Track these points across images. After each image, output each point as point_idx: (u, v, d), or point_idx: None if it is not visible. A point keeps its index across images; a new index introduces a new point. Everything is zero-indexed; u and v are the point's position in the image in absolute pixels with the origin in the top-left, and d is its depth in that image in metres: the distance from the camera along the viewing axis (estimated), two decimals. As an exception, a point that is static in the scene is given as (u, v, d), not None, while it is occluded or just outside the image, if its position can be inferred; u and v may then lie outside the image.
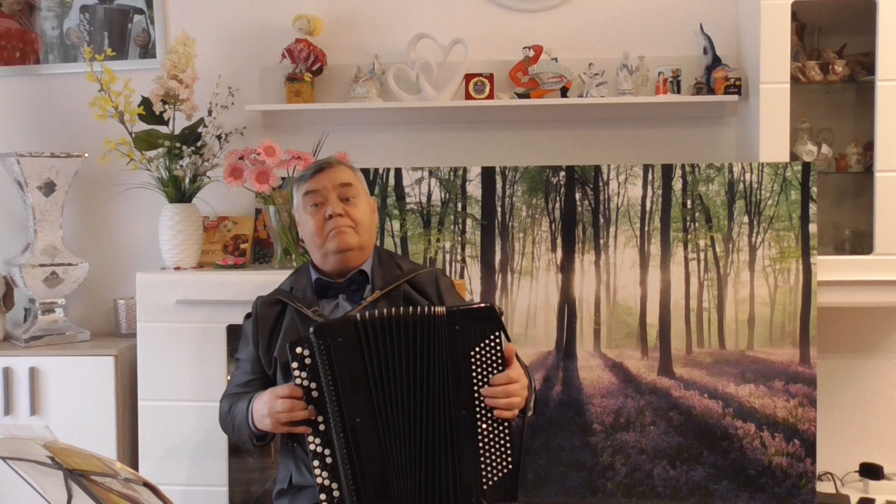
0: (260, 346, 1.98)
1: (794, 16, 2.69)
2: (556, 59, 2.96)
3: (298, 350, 1.73)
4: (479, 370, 1.72)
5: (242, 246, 3.06)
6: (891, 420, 3.01)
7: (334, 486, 1.71)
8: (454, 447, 1.72)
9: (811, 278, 2.57)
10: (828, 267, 2.61)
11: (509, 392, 1.71)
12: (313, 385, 1.73)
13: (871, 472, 2.81)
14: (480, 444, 1.72)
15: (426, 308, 1.73)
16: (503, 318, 1.75)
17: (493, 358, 1.72)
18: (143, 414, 2.71)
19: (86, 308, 3.22)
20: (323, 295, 1.99)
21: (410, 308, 1.74)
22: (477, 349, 1.72)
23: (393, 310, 1.73)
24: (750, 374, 2.60)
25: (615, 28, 3.05)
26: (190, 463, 2.70)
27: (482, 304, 1.73)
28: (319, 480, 1.71)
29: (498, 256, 2.64)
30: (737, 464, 2.58)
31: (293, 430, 1.75)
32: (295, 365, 1.73)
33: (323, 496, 1.71)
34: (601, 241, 2.62)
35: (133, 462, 2.76)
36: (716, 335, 2.61)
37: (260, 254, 3.11)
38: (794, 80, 2.67)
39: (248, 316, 2.06)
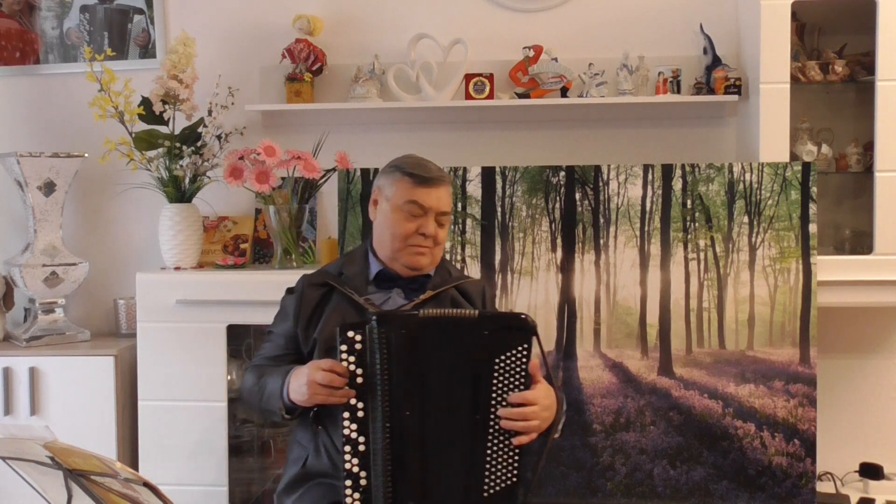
0: (300, 323, 1.96)
1: (794, 16, 2.69)
2: (556, 59, 2.96)
3: (350, 334, 1.73)
4: (500, 379, 1.72)
5: (242, 246, 3.06)
6: (891, 420, 3.01)
7: (363, 474, 1.71)
8: (465, 450, 1.72)
9: (811, 278, 2.57)
10: (828, 267, 2.61)
11: (526, 415, 1.70)
12: (359, 371, 1.73)
13: (871, 472, 2.81)
14: (489, 451, 1.72)
15: (469, 311, 1.75)
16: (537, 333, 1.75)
17: (517, 370, 1.72)
18: (143, 414, 2.71)
19: (86, 308, 3.22)
20: (379, 285, 1.99)
21: (449, 309, 1.77)
22: (503, 357, 1.72)
23: (448, 310, 1.76)
24: (750, 374, 2.60)
25: (615, 28, 3.05)
26: (190, 463, 2.70)
27: (517, 314, 1.74)
28: (348, 466, 1.71)
29: (498, 256, 2.64)
30: (737, 464, 2.58)
31: (328, 401, 1.74)
32: (343, 348, 1.73)
33: (349, 482, 1.71)
34: (601, 241, 2.62)
35: (133, 462, 2.76)
36: (716, 335, 2.61)
37: (260, 254, 3.11)
38: (794, 80, 2.67)
39: (289, 291, 2.05)
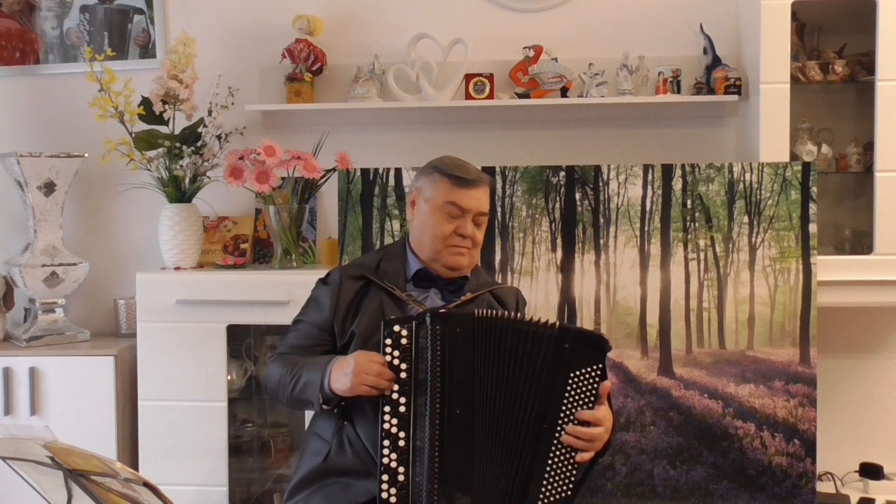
0: (337, 315, 1.94)
1: (794, 16, 2.69)
2: (556, 59, 2.96)
3: (396, 328, 1.74)
4: (573, 393, 1.73)
5: (242, 246, 3.06)
6: (891, 420, 3.01)
7: (401, 469, 1.70)
8: (526, 457, 1.73)
9: (811, 278, 2.57)
10: (828, 267, 2.61)
11: (592, 436, 1.73)
12: (403, 366, 1.73)
13: (871, 472, 2.81)
14: (550, 463, 1.73)
15: (540, 318, 1.76)
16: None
17: (590, 387, 1.74)
18: (143, 414, 2.71)
19: (86, 308, 3.22)
20: (417, 284, 1.99)
21: (518, 314, 1.80)
22: (578, 373, 1.73)
23: (507, 313, 1.78)
24: (750, 374, 2.60)
25: (615, 28, 3.05)
26: (190, 463, 2.70)
27: (599, 333, 1.77)
28: (385, 461, 1.71)
29: (498, 256, 2.64)
30: (737, 464, 2.58)
31: (370, 394, 1.73)
32: (388, 342, 1.74)
33: (385, 476, 1.70)
34: (601, 241, 2.62)
35: (133, 462, 2.76)
36: (716, 335, 2.61)
37: (260, 254, 3.11)
38: (794, 80, 2.67)
39: (322, 283, 2.02)
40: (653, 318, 2.62)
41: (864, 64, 2.76)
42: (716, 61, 2.90)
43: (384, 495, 1.70)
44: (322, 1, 3.12)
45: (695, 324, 2.61)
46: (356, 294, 1.95)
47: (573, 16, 3.07)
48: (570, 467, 1.74)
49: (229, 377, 2.76)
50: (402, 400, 1.72)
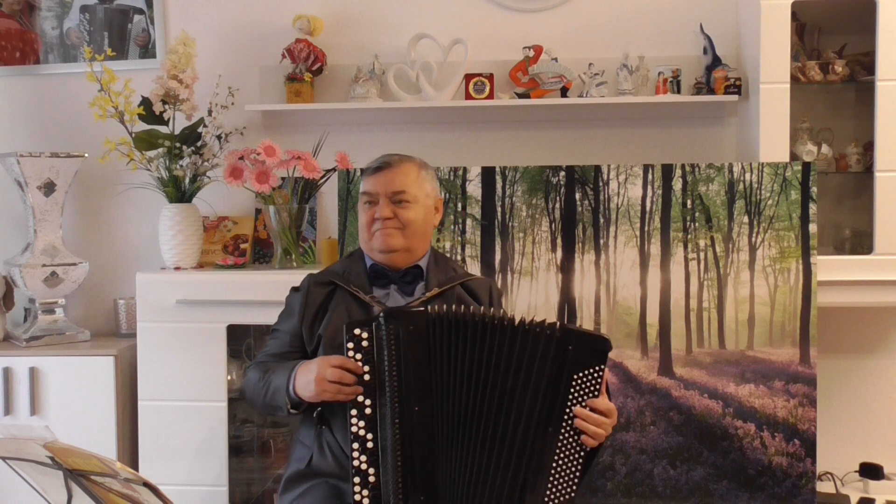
0: (305, 321, 1.98)
1: (794, 16, 2.69)
2: (556, 59, 2.96)
3: (357, 331, 1.74)
4: (576, 394, 1.73)
5: (242, 246, 3.06)
6: (891, 420, 3.01)
7: (371, 470, 1.71)
8: (527, 460, 1.72)
9: (811, 278, 2.57)
10: (828, 267, 2.61)
11: (601, 422, 1.73)
12: (367, 368, 1.74)
13: (871, 472, 2.81)
14: (555, 465, 1.73)
15: (534, 318, 1.75)
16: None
17: (593, 388, 1.74)
18: (143, 414, 2.71)
19: (86, 308, 3.22)
20: (375, 282, 2.01)
21: (498, 312, 1.77)
22: (582, 374, 1.73)
23: (462, 308, 1.77)
24: (750, 374, 2.60)
25: (615, 28, 3.05)
26: (190, 463, 2.70)
27: (603, 336, 1.76)
28: (356, 464, 1.71)
29: (498, 256, 2.64)
30: (737, 464, 2.58)
31: (336, 398, 1.74)
32: (350, 345, 1.74)
33: (357, 479, 1.71)
34: (601, 241, 2.62)
35: (133, 462, 2.76)
36: (716, 335, 2.61)
37: (260, 254, 3.11)
38: (794, 80, 2.67)
39: (294, 290, 2.06)
40: (653, 318, 2.62)
41: (864, 64, 2.77)
42: (716, 61, 2.90)
43: (357, 497, 1.71)
44: (322, 1, 3.12)
45: (695, 324, 2.61)
46: (324, 299, 1.99)
47: (573, 16, 3.07)
48: (575, 468, 1.74)
49: (229, 377, 2.76)
50: (368, 402, 1.73)
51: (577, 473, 1.74)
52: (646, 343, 2.62)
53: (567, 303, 2.63)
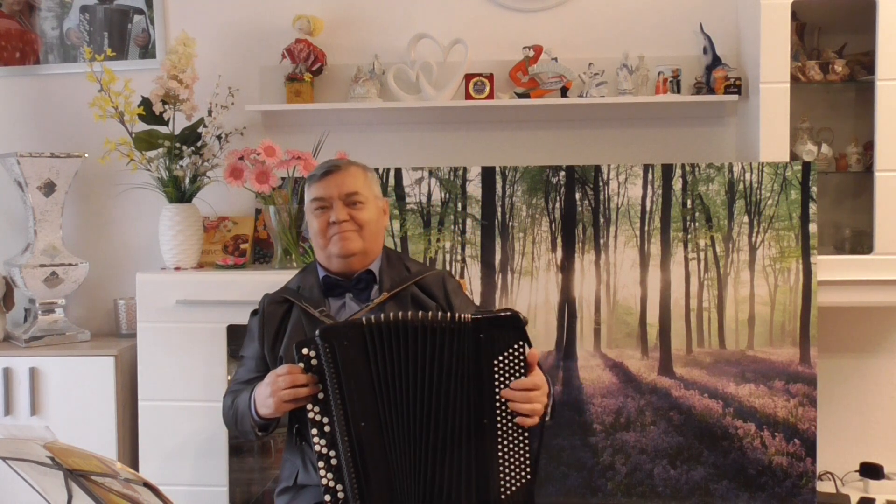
0: (265, 343, 1.98)
1: (794, 16, 2.69)
2: (556, 59, 2.96)
3: (304, 351, 1.73)
4: (501, 379, 1.71)
5: (242, 246, 3.06)
6: (891, 420, 3.01)
7: (339, 487, 1.71)
8: (472, 454, 1.71)
9: (811, 278, 2.57)
10: (828, 267, 2.61)
11: (530, 398, 1.70)
12: (319, 386, 1.73)
13: (871, 471, 2.81)
14: (500, 454, 1.71)
15: (448, 314, 1.72)
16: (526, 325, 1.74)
17: (517, 366, 1.71)
18: (143, 414, 2.71)
19: (86, 308, 3.22)
20: (330, 293, 2.00)
21: (424, 313, 1.73)
22: (501, 357, 1.71)
23: (400, 314, 1.72)
24: (750, 373, 2.60)
25: (615, 28, 3.05)
26: (190, 463, 2.70)
27: (506, 313, 1.71)
28: (325, 482, 1.72)
29: (498, 256, 2.64)
30: (737, 464, 2.58)
31: (298, 403, 1.74)
32: (301, 366, 1.74)
33: (328, 497, 1.71)
34: (601, 241, 2.62)
35: (133, 462, 2.76)
36: (716, 335, 2.61)
37: (260, 254, 3.11)
38: (794, 79, 2.67)
39: (254, 313, 2.07)
40: (653, 317, 2.62)
41: (864, 64, 2.77)
42: (716, 61, 2.90)
43: None
44: (322, 1, 3.12)
45: (695, 324, 2.61)
46: (281, 318, 1.98)
47: (573, 16, 3.07)
48: (522, 451, 1.72)
49: (229, 377, 2.75)
50: (325, 420, 1.73)
51: (527, 454, 1.72)
52: (646, 343, 2.62)
53: (567, 303, 2.63)
